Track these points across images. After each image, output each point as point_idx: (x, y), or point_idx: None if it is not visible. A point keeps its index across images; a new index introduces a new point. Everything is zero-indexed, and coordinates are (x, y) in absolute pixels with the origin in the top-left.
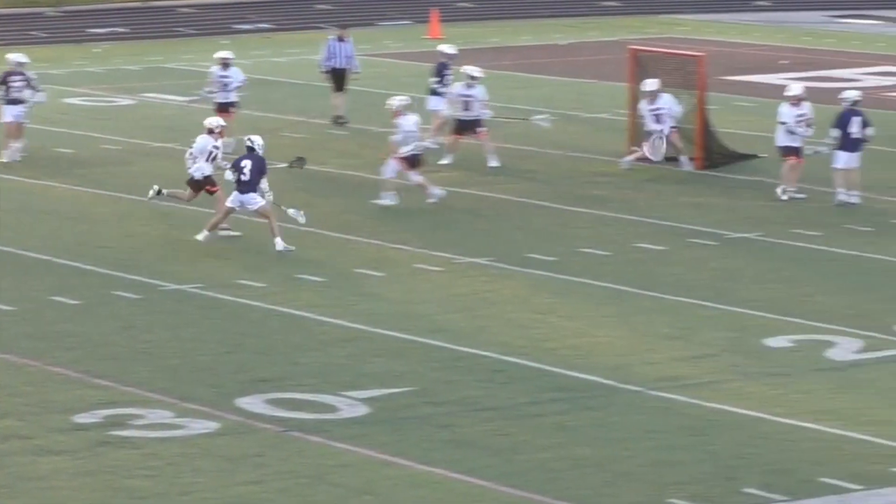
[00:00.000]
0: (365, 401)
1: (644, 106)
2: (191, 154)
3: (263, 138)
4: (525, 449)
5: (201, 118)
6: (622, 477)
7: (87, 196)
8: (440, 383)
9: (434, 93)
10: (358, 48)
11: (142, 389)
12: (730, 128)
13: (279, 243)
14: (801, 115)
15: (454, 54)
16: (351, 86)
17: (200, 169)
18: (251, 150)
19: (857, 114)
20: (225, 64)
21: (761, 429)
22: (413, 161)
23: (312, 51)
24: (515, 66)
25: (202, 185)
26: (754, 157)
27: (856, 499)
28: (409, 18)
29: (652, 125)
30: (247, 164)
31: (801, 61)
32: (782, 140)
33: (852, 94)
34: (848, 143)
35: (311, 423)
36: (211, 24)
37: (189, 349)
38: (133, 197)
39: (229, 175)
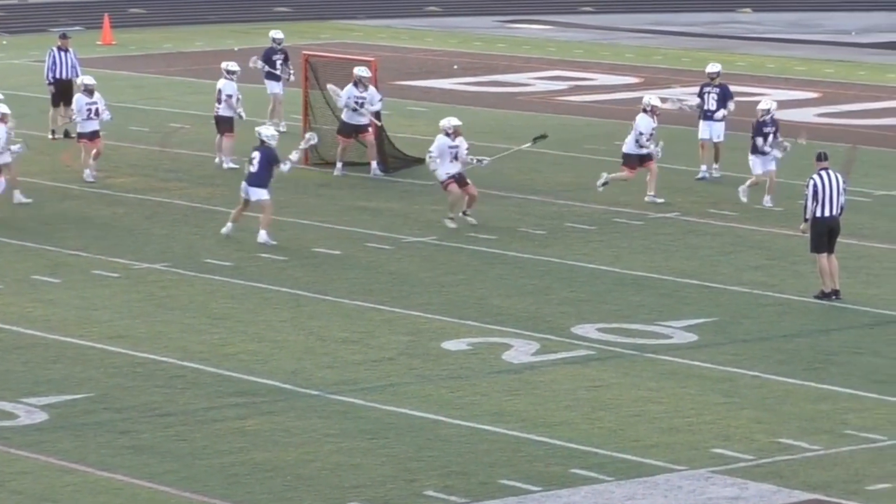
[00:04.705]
0: (44, 407)
1: (353, 92)
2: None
3: None
4: (205, 454)
5: None
6: (303, 481)
7: None
8: (119, 389)
9: (272, 77)
10: (28, 55)
11: None
12: (403, 132)
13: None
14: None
15: (282, 38)
16: (20, 92)
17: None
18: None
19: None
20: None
21: (440, 431)
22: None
23: None
24: (188, 72)
25: None
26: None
27: (534, 500)
28: (82, 24)
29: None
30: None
31: (473, 66)
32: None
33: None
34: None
35: None
36: None
37: None
38: None
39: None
